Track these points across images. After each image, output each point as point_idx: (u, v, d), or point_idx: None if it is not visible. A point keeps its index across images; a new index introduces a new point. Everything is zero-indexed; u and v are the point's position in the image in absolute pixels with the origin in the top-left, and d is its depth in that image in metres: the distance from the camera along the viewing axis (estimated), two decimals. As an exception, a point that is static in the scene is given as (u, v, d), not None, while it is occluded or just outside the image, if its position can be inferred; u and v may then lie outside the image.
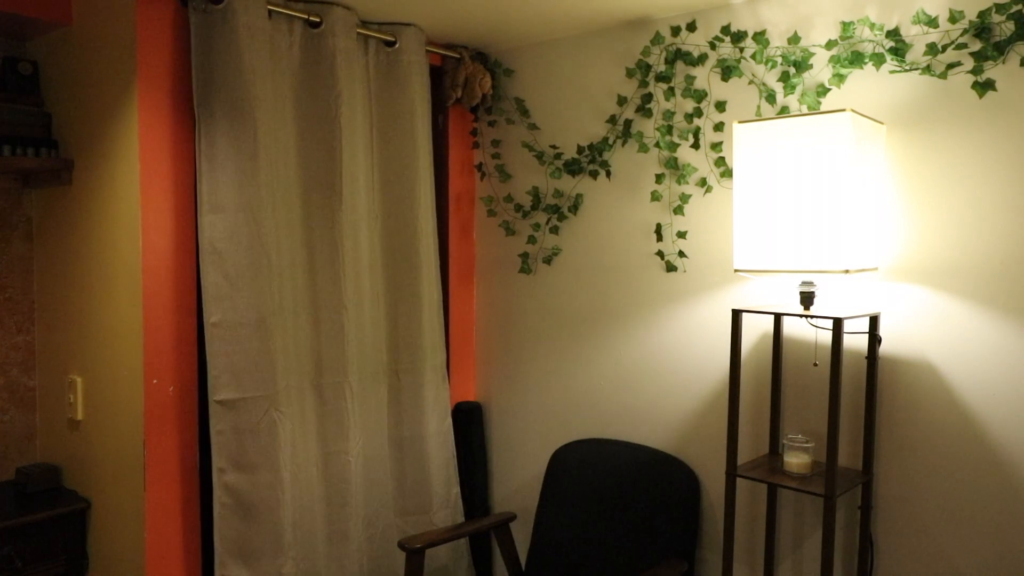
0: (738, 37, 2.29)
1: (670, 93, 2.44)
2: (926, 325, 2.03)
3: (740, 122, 2.02)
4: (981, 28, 1.90)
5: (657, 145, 2.47)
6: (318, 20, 2.33)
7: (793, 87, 2.19)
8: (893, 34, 2.03)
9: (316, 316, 2.39)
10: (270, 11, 2.22)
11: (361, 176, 2.47)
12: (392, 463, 2.63)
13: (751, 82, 2.28)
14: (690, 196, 2.42)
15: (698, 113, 2.39)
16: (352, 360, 2.44)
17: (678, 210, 2.45)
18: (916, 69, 2.01)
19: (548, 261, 2.79)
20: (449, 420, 2.77)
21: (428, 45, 2.67)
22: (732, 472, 2.11)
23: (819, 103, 2.15)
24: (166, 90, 2.08)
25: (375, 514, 2.56)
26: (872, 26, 2.06)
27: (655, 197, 2.50)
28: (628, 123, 2.54)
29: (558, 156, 2.71)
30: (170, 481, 2.13)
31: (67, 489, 2.37)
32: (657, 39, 2.45)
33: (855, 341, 2.09)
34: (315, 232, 2.39)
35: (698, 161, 2.40)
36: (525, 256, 2.83)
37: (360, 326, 2.48)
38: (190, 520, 2.18)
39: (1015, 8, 1.85)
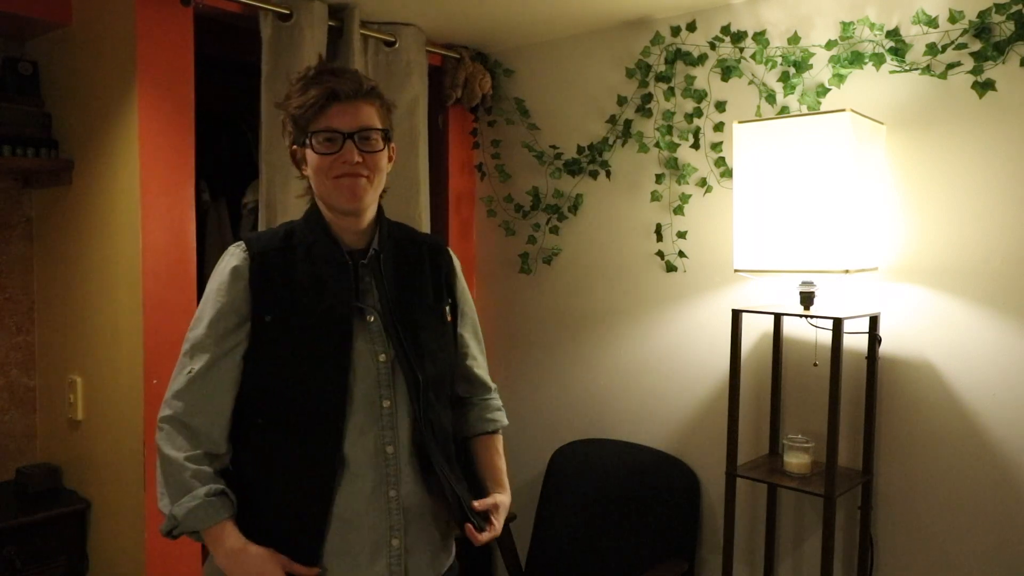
0: (738, 37, 2.29)
1: (670, 93, 2.44)
2: (926, 325, 2.03)
3: (740, 122, 2.02)
4: (981, 28, 1.90)
5: (657, 145, 2.47)
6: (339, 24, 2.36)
7: (793, 87, 2.19)
8: (893, 34, 2.03)
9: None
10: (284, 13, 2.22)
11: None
12: None
13: (751, 82, 2.28)
14: (690, 196, 2.42)
15: (698, 113, 2.39)
16: None
17: (678, 210, 2.45)
18: (916, 69, 2.01)
19: (548, 261, 2.79)
20: None
21: (428, 45, 2.66)
22: (732, 472, 2.11)
23: (819, 103, 2.15)
24: (166, 90, 2.08)
25: None
26: (872, 26, 2.06)
27: (655, 197, 2.50)
28: (628, 123, 2.54)
29: (558, 156, 2.71)
30: (170, 481, 2.12)
31: (67, 489, 2.37)
32: (657, 39, 2.45)
33: (855, 341, 2.08)
34: None
35: (698, 161, 2.40)
36: (525, 256, 2.83)
37: None
38: (190, 520, 2.18)
39: (1015, 8, 1.85)
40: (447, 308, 1.52)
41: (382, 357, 1.37)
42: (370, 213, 1.43)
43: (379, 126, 1.38)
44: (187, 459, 1.31)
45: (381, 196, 1.46)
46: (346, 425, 1.34)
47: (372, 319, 1.38)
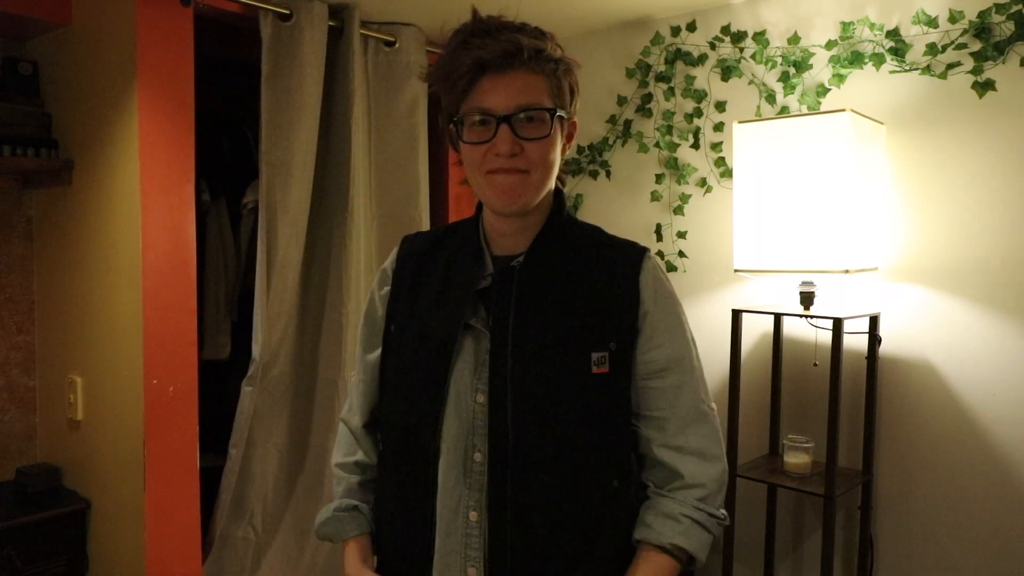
0: (738, 37, 2.29)
1: (670, 93, 2.44)
2: (926, 325, 2.03)
3: (740, 122, 2.02)
4: (981, 28, 1.90)
5: (657, 145, 2.47)
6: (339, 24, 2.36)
7: (793, 87, 2.19)
8: (893, 34, 2.03)
9: (319, 314, 2.40)
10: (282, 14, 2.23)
11: (361, 178, 2.48)
12: None
13: (751, 82, 2.28)
14: (690, 196, 2.42)
15: (698, 113, 2.39)
16: (348, 359, 2.44)
17: (678, 210, 2.45)
18: (916, 69, 2.01)
19: (548, 261, 2.78)
20: None
21: (428, 45, 2.66)
22: (732, 472, 2.11)
23: (819, 103, 2.15)
24: (166, 90, 2.08)
25: None
26: (872, 26, 2.06)
27: (655, 197, 2.50)
28: (628, 123, 2.54)
29: (558, 156, 2.71)
30: (170, 481, 2.13)
31: (67, 489, 2.37)
32: (657, 39, 2.45)
33: (855, 341, 2.08)
34: (321, 232, 2.40)
35: (698, 161, 2.40)
36: (525, 256, 2.83)
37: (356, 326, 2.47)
38: (190, 520, 2.18)
39: (1015, 8, 1.85)
40: (606, 353, 1.07)
41: (480, 397, 1.06)
42: (538, 211, 1.11)
43: (546, 104, 1.04)
44: (337, 466, 1.24)
45: (561, 182, 1.15)
46: (438, 473, 1.08)
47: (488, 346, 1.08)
